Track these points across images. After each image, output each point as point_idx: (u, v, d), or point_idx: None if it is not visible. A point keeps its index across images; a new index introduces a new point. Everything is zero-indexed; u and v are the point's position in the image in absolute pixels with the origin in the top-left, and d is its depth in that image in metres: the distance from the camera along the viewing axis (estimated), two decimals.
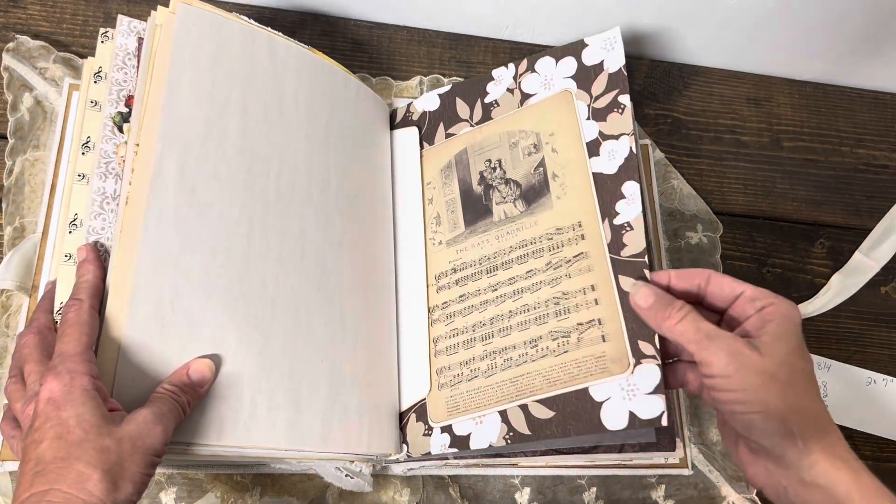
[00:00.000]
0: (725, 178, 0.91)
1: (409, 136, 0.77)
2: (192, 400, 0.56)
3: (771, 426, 0.51)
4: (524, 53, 0.91)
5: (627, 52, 0.92)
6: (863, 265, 0.89)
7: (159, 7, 0.63)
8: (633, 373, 0.60)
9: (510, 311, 0.68)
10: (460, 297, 0.70)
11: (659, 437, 0.68)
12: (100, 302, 0.57)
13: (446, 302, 0.71)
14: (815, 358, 0.84)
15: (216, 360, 0.59)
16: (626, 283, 0.62)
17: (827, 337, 0.86)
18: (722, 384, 0.52)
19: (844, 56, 0.94)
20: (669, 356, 0.62)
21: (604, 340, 0.62)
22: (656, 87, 0.93)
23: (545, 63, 0.74)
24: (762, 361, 0.52)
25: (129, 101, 0.64)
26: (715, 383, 0.53)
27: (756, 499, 0.76)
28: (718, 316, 0.59)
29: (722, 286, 0.57)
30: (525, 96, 0.74)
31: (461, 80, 0.87)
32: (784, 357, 0.52)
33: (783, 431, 0.51)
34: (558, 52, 0.74)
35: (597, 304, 0.64)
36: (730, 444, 0.59)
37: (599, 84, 0.71)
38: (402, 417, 0.69)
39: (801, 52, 0.94)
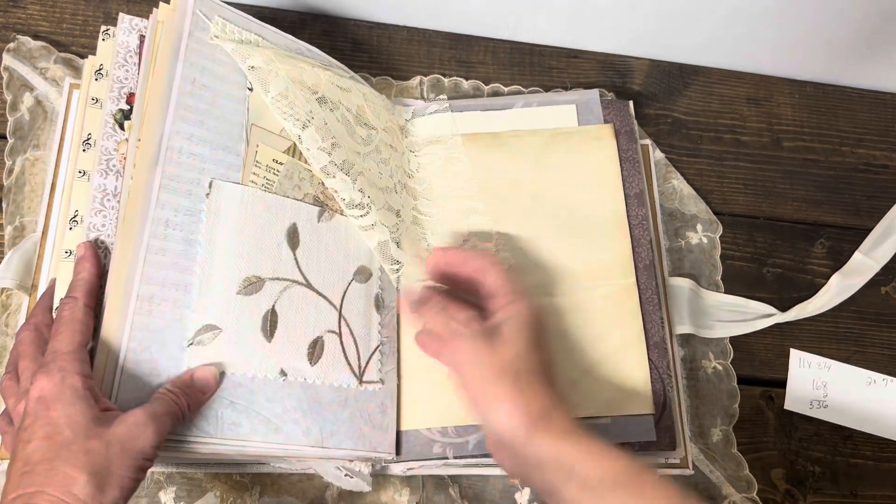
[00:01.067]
0: (725, 177, 0.91)
1: None
2: (192, 404, 0.56)
3: (498, 417, 0.56)
4: (524, 53, 0.91)
5: (628, 52, 0.93)
6: (863, 265, 0.89)
7: (161, 4, 0.63)
8: None
9: None
10: None
11: (659, 436, 0.68)
12: (95, 300, 0.57)
13: None
14: (816, 358, 0.84)
15: (220, 368, 0.59)
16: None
17: (827, 337, 0.86)
18: (464, 376, 0.58)
19: (845, 56, 0.94)
20: None
21: None
22: (656, 86, 0.93)
23: None
24: (498, 360, 0.57)
25: (130, 98, 0.64)
26: (459, 374, 0.59)
27: (757, 499, 0.76)
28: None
29: (485, 276, 0.63)
30: None
31: (461, 79, 0.87)
32: (515, 354, 0.58)
33: (510, 424, 0.55)
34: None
35: None
36: (487, 437, 0.63)
37: None
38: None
39: (801, 51, 0.94)
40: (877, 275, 0.89)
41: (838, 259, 0.90)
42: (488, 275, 0.63)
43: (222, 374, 0.59)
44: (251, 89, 0.65)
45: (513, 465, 0.59)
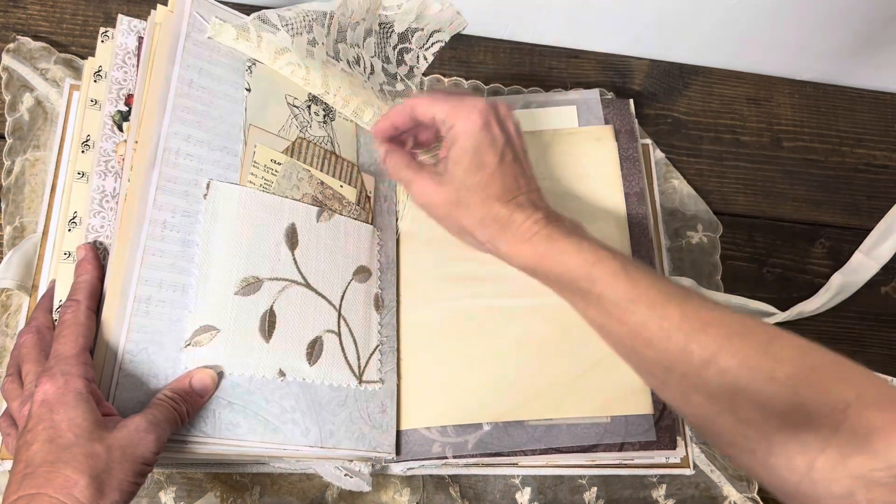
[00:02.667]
0: (725, 177, 0.91)
1: None
2: (191, 410, 0.56)
3: (468, 241, 0.61)
4: (524, 53, 0.91)
5: (628, 52, 0.93)
6: (863, 265, 0.89)
7: (159, 6, 0.63)
8: None
9: None
10: None
11: (659, 436, 0.68)
12: (97, 302, 0.57)
13: None
14: None
15: (218, 370, 0.59)
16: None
17: (827, 337, 0.86)
18: (427, 211, 0.62)
19: (845, 56, 0.94)
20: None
21: None
22: (656, 86, 0.93)
23: None
24: (443, 191, 0.60)
25: (128, 99, 0.64)
26: (424, 211, 0.62)
27: (757, 498, 0.76)
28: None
29: (425, 114, 0.62)
30: None
31: (462, 80, 0.87)
32: (461, 180, 0.59)
33: (477, 244, 0.60)
34: None
35: None
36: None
37: None
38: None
39: (801, 52, 0.94)
40: (877, 275, 0.89)
41: (838, 259, 0.90)
42: (423, 107, 0.62)
43: (220, 375, 0.59)
44: (249, 90, 0.65)
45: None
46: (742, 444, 0.50)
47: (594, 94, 0.82)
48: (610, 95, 0.88)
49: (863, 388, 0.47)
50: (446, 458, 0.68)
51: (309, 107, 0.68)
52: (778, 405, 0.47)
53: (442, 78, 0.86)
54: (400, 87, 0.77)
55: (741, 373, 0.49)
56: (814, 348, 0.50)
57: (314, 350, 0.64)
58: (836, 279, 0.87)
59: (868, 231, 0.91)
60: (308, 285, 0.65)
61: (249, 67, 0.65)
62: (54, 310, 0.61)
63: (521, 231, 0.58)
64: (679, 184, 0.87)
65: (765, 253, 0.89)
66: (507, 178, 0.60)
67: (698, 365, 0.50)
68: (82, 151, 0.65)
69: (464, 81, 0.87)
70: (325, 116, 0.70)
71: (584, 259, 0.56)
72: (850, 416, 0.46)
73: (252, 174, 0.64)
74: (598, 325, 0.58)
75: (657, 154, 0.88)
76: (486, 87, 0.87)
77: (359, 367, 0.66)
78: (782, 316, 0.83)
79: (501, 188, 0.59)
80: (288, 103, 0.66)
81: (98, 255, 0.59)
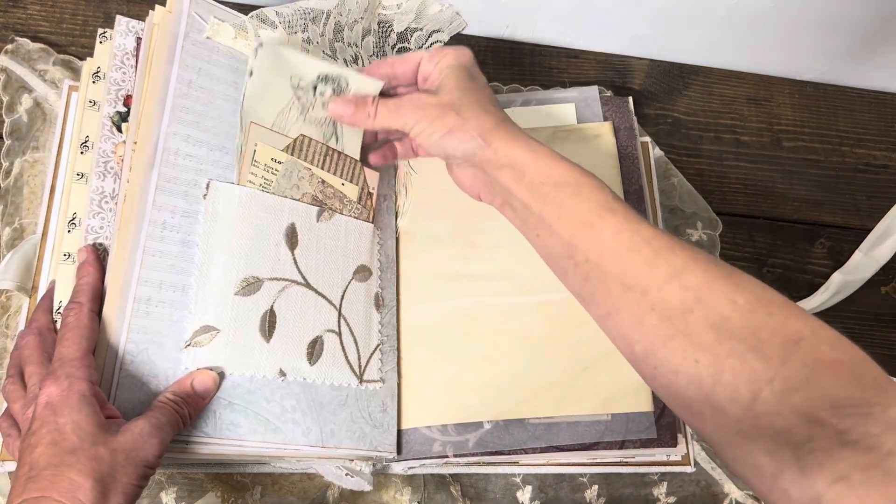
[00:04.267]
0: (726, 177, 0.91)
1: None
2: (193, 412, 0.56)
3: (456, 139, 0.59)
4: (524, 53, 0.91)
5: (628, 52, 0.93)
6: (863, 264, 0.89)
7: (157, 7, 0.63)
8: None
9: None
10: None
11: (660, 433, 0.68)
12: (100, 304, 0.57)
13: None
14: None
15: (218, 371, 0.59)
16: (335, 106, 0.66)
17: None
18: (417, 129, 0.61)
19: (845, 56, 0.94)
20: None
21: None
22: (656, 86, 0.93)
23: None
24: (437, 98, 0.61)
25: (127, 100, 0.64)
26: (415, 134, 0.61)
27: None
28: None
29: (405, 60, 0.65)
30: None
31: None
32: (453, 89, 0.61)
33: (466, 138, 0.59)
34: None
35: None
36: (449, 173, 0.67)
37: None
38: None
39: (801, 51, 0.94)
40: (877, 274, 0.89)
41: (838, 259, 0.90)
42: (405, 57, 0.66)
43: (221, 376, 0.59)
44: (251, 73, 0.64)
45: (473, 183, 0.65)
46: (691, 370, 0.49)
47: (593, 91, 0.82)
48: (609, 93, 0.88)
49: (816, 328, 0.47)
50: (447, 456, 0.68)
51: (315, 87, 0.66)
52: (733, 328, 0.47)
53: None
54: None
55: (702, 292, 0.49)
56: (772, 289, 0.49)
57: (314, 350, 0.64)
58: (836, 278, 0.87)
59: (868, 231, 0.91)
60: (308, 285, 0.65)
61: (256, 49, 0.63)
62: (55, 311, 0.61)
63: (514, 130, 0.60)
64: (679, 182, 0.87)
65: (765, 253, 0.89)
66: (493, 96, 0.63)
67: (661, 279, 0.50)
68: (81, 152, 0.65)
69: None
70: (332, 97, 0.67)
71: (573, 167, 0.57)
72: (801, 348, 0.45)
73: (252, 174, 0.64)
74: (563, 236, 0.57)
75: (656, 152, 0.88)
76: None
77: (359, 366, 0.66)
78: None
79: (492, 99, 0.62)
80: (292, 85, 0.65)
81: (99, 257, 0.59)
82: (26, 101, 0.74)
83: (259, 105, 0.64)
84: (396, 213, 0.75)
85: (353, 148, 0.70)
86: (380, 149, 0.72)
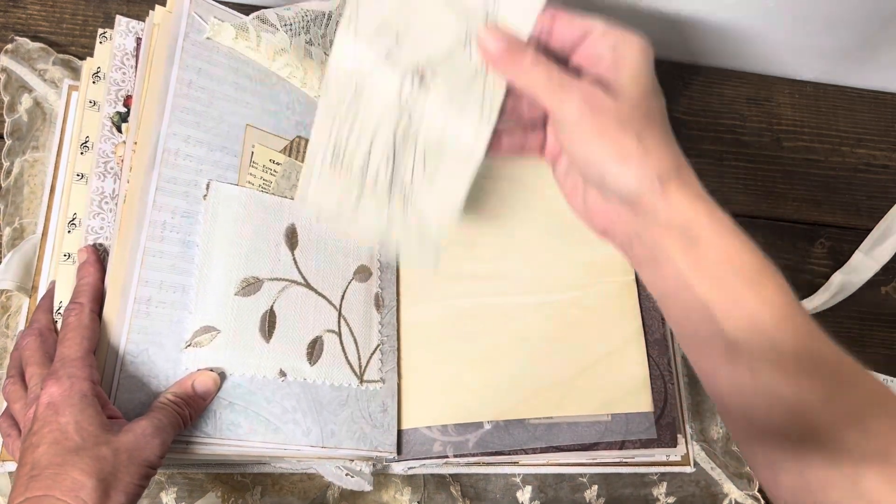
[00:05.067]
0: (726, 177, 0.91)
1: None
2: (193, 413, 0.56)
3: (627, 171, 0.47)
4: None
5: None
6: (863, 265, 0.89)
7: (157, 7, 0.63)
8: None
9: None
10: None
11: (660, 433, 0.68)
12: (100, 305, 0.57)
13: None
14: None
15: (219, 371, 0.59)
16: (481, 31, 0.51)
17: None
18: (575, 133, 0.48)
19: (845, 56, 0.94)
20: (514, 117, 0.54)
21: None
22: None
23: None
24: (616, 106, 0.47)
25: (127, 100, 0.64)
26: (569, 133, 0.48)
27: (758, 496, 0.76)
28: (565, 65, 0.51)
29: (571, 23, 0.50)
30: None
31: None
32: (639, 99, 0.48)
33: (641, 175, 0.47)
34: None
35: None
36: (573, 197, 0.54)
37: None
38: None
39: (801, 51, 0.94)
40: (877, 274, 0.89)
41: (838, 259, 0.90)
42: (571, 17, 0.50)
43: (221, 376, 0.59)
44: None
45: (609, 218, 0.51)
46: None
47: None
48: None
49: None
50: (447, 457, 0.68)
51: None
52: None
53: None
54: None
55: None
56: None
57: (314, 350, 0.64)
58: (837, 279, 0.87)
59: (868, 231, 0.91)
60: (308, 285, 0.65)
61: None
62: (55, 312, 0.61)
63: (693, 179, 0.49)
64: None
65: (765, 253, 0.88)
66: (667, 120, 0.50)
67: (840, 423, 0.45)
68: (81, 153, 0.65)
69: None
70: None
71: (755, 252, 0.49)
72: None
73: (251, 174, 0.64)
74: (725, 330, 0.47)
75: None
76: None
77: (359, 366, 0.66)
78: None
79: (668, 123, 0.50)
80: None
81: (100, 257, 0.59)
82: (26, 101, 0.74)
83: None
84: None
85: (498, 83, 0.52)
86: (516, 135, 0.55)
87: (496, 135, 0.52)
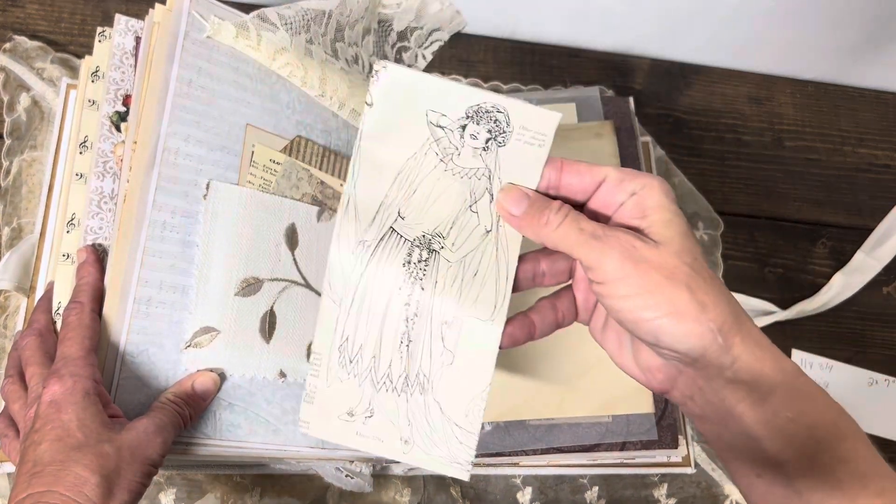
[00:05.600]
0: (727, 177, 0.91)
1: None
2: (193, 413, 0.56)
3: (685, 328, 0.43)
4: (525, 53, 0.91)
5: (628, 51, 0.93)
6: (865, 265, 0.89)
7: (157, 5, 0.62)
8: None
9: None
10: None
11: (661, 435, 0.68)
12: (101, 304, 0.57)
13: None
14: (817, 358, 0.84)
15: (218, 371, 0.58)
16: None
17: (829, 337, 0.86)
18: (620, 289, 0.44)
19: (846, 55, 0.94)
20: (540, 280, 0.52)
21: None
22: (657, 86, 0.93)
23: None
24: (660, 255, 0.44)
25: (126, 100, 0.64)
26: (611, 290, 0.45)
27: None
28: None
29: (580, 172, 0.48)
30: None
31: (461, 77, 0.87)
32: (680, 245, 0.44)
33: (701, 332, 0.43)
34: None
35: None
36: (620, 356, 0.51)
37: None
38: None
39: (802, 51, 0.94)
40: (878, 275, 0.89)
41: (840, 259, 0.90)
42: (580, 166, 0.48)
43: (221, 377, 0.58)
44: (371, 104, 0.54)
45: (668, 377, 0.48)
46: None
47: (594, 91, 0.82)
48: (610, 93, 0.88)
49: None
50: None
51: (463, 127, 0.51)
52: None
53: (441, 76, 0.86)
54: None
55: None
56: None
57: None
58: (838, 279, 0.87)
59: (870, 231, 0.91)
60: (308, 286, 0.65)
61: (376, 72, 0.52)
62: (54, 312, 0.61)
63: (755, 329, 0.46)
64: (679, 181, 0.87)
65: (766, 253, 0.88)
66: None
67: None
68: (80, 152, 0.65)
69: (462, 79, 0.87)
70: (488, 142, 0.51)
71: (833, 404, 0.45)
72: None
73: (251, 174, 0.64)
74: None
75: (657, 151, 0.87)
76: (484, 84, 0.87)
77: None
78: (783, 314, 0.83)
79: (714, 272, 0.49)
80: (429, 122, 0.51)
81: (99, 257, 0.59)
82: (25, 100, 0.74)
83: (381, 147, 0.51)
84: None
85: (511, 247, 0.51)
86: (546, 311, 0.52)
87: (526, 318, 0.51)
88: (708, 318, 0.43)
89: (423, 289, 0.50)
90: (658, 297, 0.43)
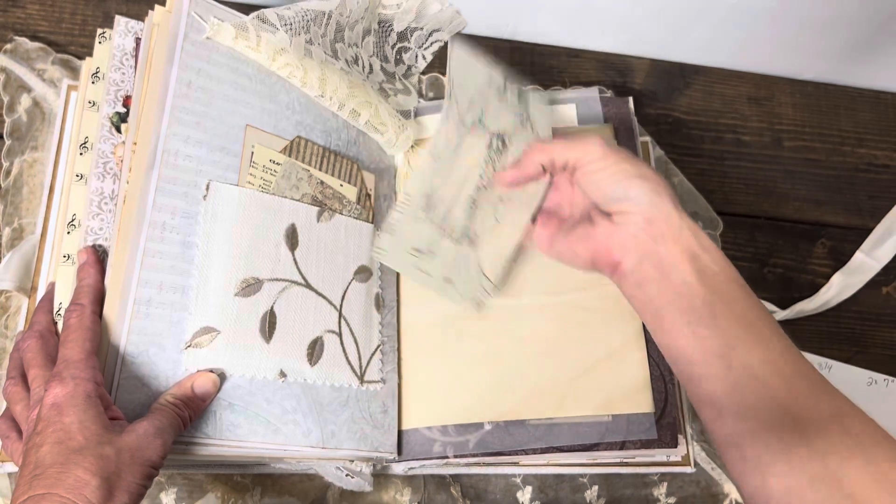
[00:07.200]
0: (727, 177, 0.91)
1: None
2: (193, 414, 0.56)
3: (650, 185, 0.56)
4: (524, 53, 0.91)
5: (628, 51, 0.93)
6: (864, 265, 0.89)
7: (156, 7, 0.63)
8: None
9: None
10: None
11: (660, 434, 0.68)
12: (101, 306, 0.57)
13: None
14: (817, 358, 0.84)
15: (219, 372, 0.59)
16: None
17: (828, 337, 0.86)
18: (601, 163, 0.58)
19: (845, 55, 0.94)
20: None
21: None
22: (657, 86, 0.93)
23: None
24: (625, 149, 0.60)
25: (126, 101, 0.64)
26: (595, 166, 0.58)
27: None
28: None
29: (560, 159, 0.61)
30: None
31: None
32: (648, 199, 0.57)
33: (660, 192, 0.56)
34: None
35: None
36: (579, 244, 0.61)
37: None
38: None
39: (802, 51, 0.94)
40: (878, 275, 0.89)
41: (839, 259, 0.90)
42: (558, 155, 0.61)
43: (221, 377, 0.59)
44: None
45: (622, 244, 0.58)
46: None
47: (593, 92, 0.82)
48: (609, 93, 0.88)
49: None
50: (447, 457, 0.67)
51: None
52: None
53: (441, 77, 0.86)
54: (399, 86, 0.77)
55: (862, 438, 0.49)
56: None
57: (315, 350, 0.64)
58: (837, 279, 0.87)
59: (869, 231, 0.90)
60: (308, 286, 0.65)
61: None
62: (55, 313, 0.61)
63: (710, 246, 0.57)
64: (679, 181, 0.87)
65: (766, 253, 0.89)
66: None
67: (824, 419, 0.50)
68: (80, 153, 0.65)
69: None
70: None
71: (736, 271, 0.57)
72: None
73: (251, 174, 0.64)
74: (726, 333, 0.53)
75: (657, 151, 0.88)
76: None
77: (360, 367, 0.66)
78: (782, 314, 0.83)
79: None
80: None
81: (99, 258, 0.59)
82: (25, 101, 0.74)
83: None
84: None
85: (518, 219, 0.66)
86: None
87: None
88: (667, 189, 0.57)
89: (494, 168, 0.65)
90: (631, 165, 0.57)
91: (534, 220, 0.65)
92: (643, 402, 0.69)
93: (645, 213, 0.56)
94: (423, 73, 0.86)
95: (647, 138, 0.87)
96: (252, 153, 0.64)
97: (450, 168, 0.63)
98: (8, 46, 0.75)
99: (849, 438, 0.48)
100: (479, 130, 0.64)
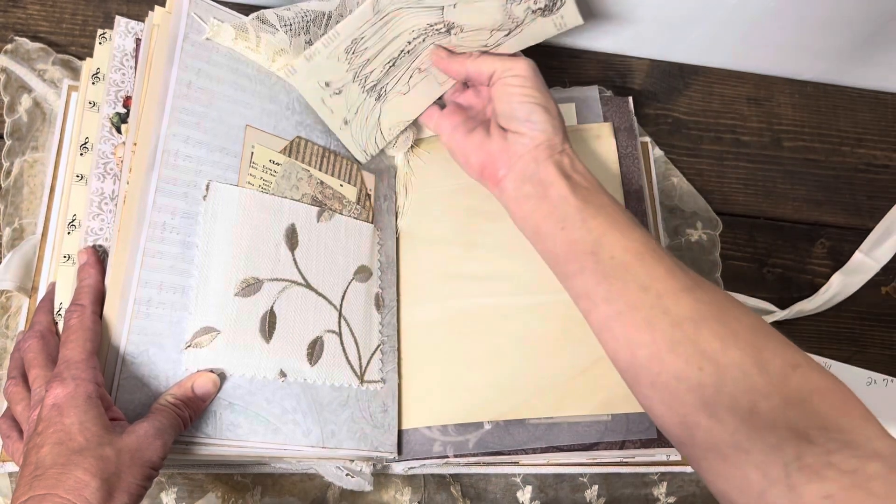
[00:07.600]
0: (726, 177, 0.91)
1: None
2: (193, 415, 0.56)
3: (548, 115, 0.65)
4: (524, 53, 0.91)
5: (628, 52, 0.93)
6: (863, 265, 0.89)
7: (156, 7, 0.63)
8: None
9: None
10: None
11: (660, 433, 0.68)
12: (102, 306, 0.57)
13: None
14: (816, 358, 0.84)
15: (219, 374, 0.59)
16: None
17: (827, 337, 0.86)
18: (520, 80, 0.65)
19: (845, 56, 0.94)
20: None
21: None
22: (656, 86, 0.93)
23: None
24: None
25: (126, 101, 0.64)
26: (515, 81, 0.66)
27: None
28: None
29: (481, 71, 0.68)
30: None
31: None
32: (542, 94, 0.66)
33: (555, 124, 0.65)
34: None
35: None
36: (478, 145, 0.68)
37: None
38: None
39: (801, 51, 0.94)
40: (877, 275, 0.89)
41: (839, 259, 0.90)
42: (482, 67, 0.68)
43: (221, 376, 0.59)
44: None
45: (503, 157, 0.65)
46: (694, 378, 0.52)
47: (593, 91, 0.82)
48: (609, 93, 0.88)
49: (809, 359, 0.51)
50: (447, 457, 0.68)
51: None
52: (739, 342, 0.52)
53: None
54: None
55: (713, 307, 0.55)
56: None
57: (315, 350, 0.64)
58: (837, 279, 0.87)
59: (869, 231, 0.91)
60: (308, 285, 0.65)
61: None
62: (55, 313, 0.61)
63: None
64: (679, 181, 0.87)
65: (765, 253, 0.89)
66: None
67: (678, 289, 0.56)
68: (81, 154, 0.65)
69: None
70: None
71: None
72: (798, 373, 0.50)
73: (251, 175, 0.64)
74: (594, 232, 0.60)
75: (656, 152, 0.88)
76: None
77: (360, 366, 0.66)
78: (782, 314, 0.83)
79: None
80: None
81: (99, 258, 0.59)
82: (26, 101, 0.74)
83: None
84: (396, 213, 0.75)
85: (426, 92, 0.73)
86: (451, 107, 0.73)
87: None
88: (562, 126, 0.66)
89: (423, 40, 0.68)
90: (543, 95, 0.65)
91: (443, 107, 0.73)
92: None
93: (536, 139, 0.64)
94: None
95: (647, 138, 0.87)
96: (252, 153, 0.64)
97: (385, 23, 0.66)
98: (8, 47, 0.75)
99: (702, 306, 0.54)
100: (427, 3, 0.66)
